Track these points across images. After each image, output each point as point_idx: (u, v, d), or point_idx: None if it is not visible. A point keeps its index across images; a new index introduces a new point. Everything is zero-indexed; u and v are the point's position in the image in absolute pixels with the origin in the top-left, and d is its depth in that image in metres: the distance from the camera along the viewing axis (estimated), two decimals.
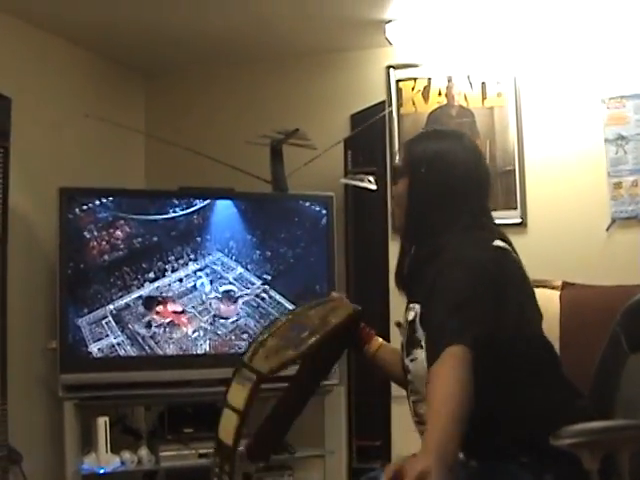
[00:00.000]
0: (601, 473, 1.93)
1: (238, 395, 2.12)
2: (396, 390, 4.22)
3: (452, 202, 2.20)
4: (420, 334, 2.14)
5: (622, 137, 4.00)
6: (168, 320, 4.01)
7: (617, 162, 4.02)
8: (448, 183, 2.21)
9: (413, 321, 2.17)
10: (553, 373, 2.17)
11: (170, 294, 4.02)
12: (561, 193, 4.12)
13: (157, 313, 4.00)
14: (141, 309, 3.97)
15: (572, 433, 1.94)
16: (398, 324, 2.39)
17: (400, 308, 4.22)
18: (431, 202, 2.22)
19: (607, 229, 4.03)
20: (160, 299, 4.01)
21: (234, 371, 2.19)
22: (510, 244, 2.19)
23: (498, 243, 2.14)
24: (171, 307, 4.03)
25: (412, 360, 2.17)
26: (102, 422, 3.77)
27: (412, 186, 2.26)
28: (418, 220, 2.25)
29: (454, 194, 2.20)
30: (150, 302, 4.00)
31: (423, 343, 2.12)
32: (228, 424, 2.13)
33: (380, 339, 2.54)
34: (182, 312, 4.04)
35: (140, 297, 3.97)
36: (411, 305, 2.22)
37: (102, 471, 3.77)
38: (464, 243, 2.12)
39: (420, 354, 2.13)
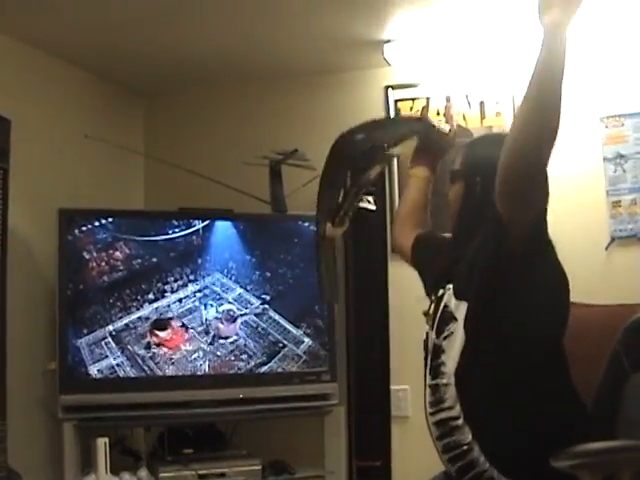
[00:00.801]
0: None
1: None
2: (396, 410, 4.24)
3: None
4: (453, 308, 2.19)
5: (621, 156, 4.00)
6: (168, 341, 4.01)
7: (616, 181, 4.02)
8: None
9: (444, 300, 2.23)
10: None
11: (170, 315, 4.01)
12: (560, 212, 3.99)
13: (157, 335, 3.99)
14: (140, 330, 3.96)
15: (572, 454, 1.94)
16: (425, 313, 2.40)
17: (399, 329, 4.22)
18: (479, 211, 2.22)
19: (606, 248, 4.02)
20: (167, 321, 4.01)
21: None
22: None
23: None
24: (171, 328, 4.02)
25: (446, 337, 2.20)
26: (102, 443, 3.73)
27: (465, 192, 2.29)
28: (464, 226, 2.30)
29: None
30: (159, 324, 4.00)
31: (457, 315, 2.16)
32: None
33: (423, 175, 2.70)
34: (182, 333, 4.03)
35: (140, 318, 3.96)
36: (442, 290, 2.26)
37: None
38: None
39: (455, 327, 2.17)
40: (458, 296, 2.19)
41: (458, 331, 2.16)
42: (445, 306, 2.24)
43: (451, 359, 2.17)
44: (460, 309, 2.17)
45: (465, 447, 2.14)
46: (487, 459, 2.11)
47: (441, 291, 2.29)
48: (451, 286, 2.23)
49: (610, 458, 1.99)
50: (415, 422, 4.23)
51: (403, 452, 4.24)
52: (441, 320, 2.24)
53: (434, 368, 2.23)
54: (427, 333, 2.35)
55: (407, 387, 4.26)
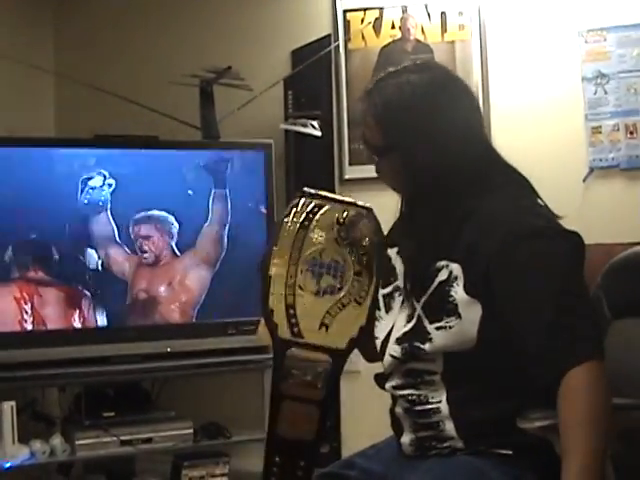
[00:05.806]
0: None
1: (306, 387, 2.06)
2: (346, 363, 4.25)
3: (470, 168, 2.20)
4: (459, 299, 2.04)
5: (602, 75, 4.00)
6: None
7: (596, 104, 4.02)
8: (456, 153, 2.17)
9: (445, 281, 2.06)
10: None
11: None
12: (532, 141, 4.10)
13: None
14: None
15: (543, 414, 1.92)
16: (397, 288, 2.23)
17: None
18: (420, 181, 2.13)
19: (584, 180, 4.04)
20: None
21: (276, 356, 2.09)
22: None
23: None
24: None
25: (439, 328, 2.05)
26: (8, 407, 3.72)
27: (409, 162, 2.14)
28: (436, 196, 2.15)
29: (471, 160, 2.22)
30: None
31: (460, 311, 2.03)
32: (301, 418, 2.10)
33: None
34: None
35: None
36: (440, 263, 2.08)
37: (8, 465, 3.70)
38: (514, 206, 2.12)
39: (456, 324, 2.03)
40: (469, 292, 2.03)
41: (461, 329, 2.03)
42: (444, 291, 2.07)
43: (437, 355, 2.06)
44: (471, 308, 2.03)
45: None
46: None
47: (439, 266, 2.09)
48: (455, 266, 2.06)
49: None
50: (368, 378, 4.21)
51: (354, 412, 4.24)
52: (435, 306, 2.07)
53: (413, 358, 2.10)
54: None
55: None
